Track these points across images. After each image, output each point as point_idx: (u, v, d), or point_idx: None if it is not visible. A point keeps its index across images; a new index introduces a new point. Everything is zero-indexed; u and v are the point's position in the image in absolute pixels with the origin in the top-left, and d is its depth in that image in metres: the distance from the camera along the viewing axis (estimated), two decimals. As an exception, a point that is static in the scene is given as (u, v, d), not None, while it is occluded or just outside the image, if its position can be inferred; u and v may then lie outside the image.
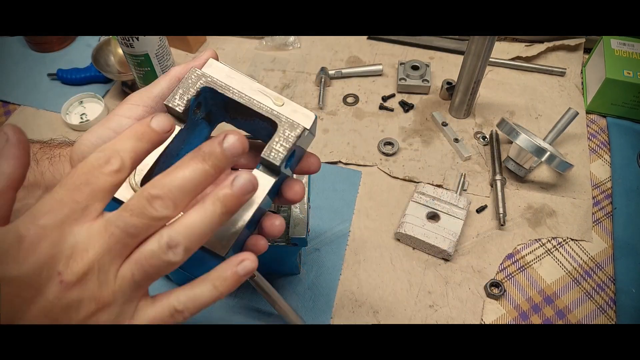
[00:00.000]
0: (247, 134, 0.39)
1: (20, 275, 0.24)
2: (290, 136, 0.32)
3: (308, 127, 0.33)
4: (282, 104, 0.34)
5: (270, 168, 0.33)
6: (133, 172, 0.32)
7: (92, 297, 0.25)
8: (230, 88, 0.34)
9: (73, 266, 0.25)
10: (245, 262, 0.28)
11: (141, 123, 0.28)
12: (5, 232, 0.25)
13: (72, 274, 0.25)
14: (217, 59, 0.35)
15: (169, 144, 0.33)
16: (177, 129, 0.33)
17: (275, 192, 0.35)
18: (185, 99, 0.33)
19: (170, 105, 0.33)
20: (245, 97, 0.34)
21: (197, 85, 0.33)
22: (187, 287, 0.28)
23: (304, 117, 0.33)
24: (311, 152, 0.37)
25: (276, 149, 0.32)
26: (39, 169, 0.35)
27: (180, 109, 0.33)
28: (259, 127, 0.35)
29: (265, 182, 0.32)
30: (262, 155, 0.32)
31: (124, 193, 0.31)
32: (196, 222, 0.26)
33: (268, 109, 0.33)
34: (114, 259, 0.26)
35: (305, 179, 0.49)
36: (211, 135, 0.38)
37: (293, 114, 0.33)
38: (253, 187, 0.27)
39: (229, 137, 0.27)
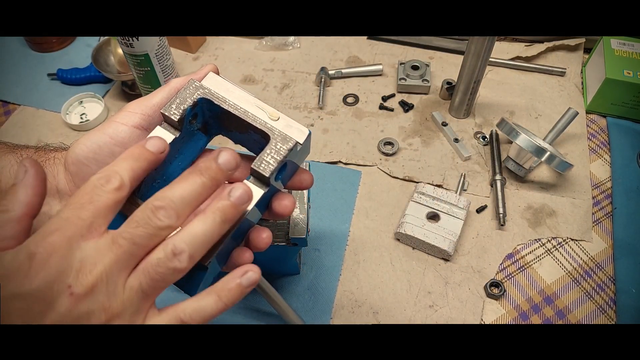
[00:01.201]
0: (242, 147, 0.39)
1: (32, 290, 0.25)
2: (281, 149, 0.33)
3: (301, 142, 0.34)
4: (278, 119, 0.34)
5: (260, 179, 0.33)
6: None
7: (102, 308, 0.26)
8: (227, 100, 0.34)
9: (82, 279, 0.26)
10: (249, 274, 0.30)
11: (137, 145, 0.30)
12: (17, 251, 0.26)
13: (82, 286, 0.26)
14: (218, 73, 0.36)
15: None
16: (172, 137, 0.34)
17: (265, 205, 0.35)
18: (182, 108, 0.33)
19: (166, 113, 0.33)
20: (240, 109, 0.34)
21: (195, 96, 0.34)
22: (193, 299, 0.29)
23: (298, 132, 0.34)
24: (304, 168, 0.37)
25: (267, 161, 0.32)
26: None
27: (175, 117, 0.33)
28: (253, 140, 0.36)
29: (254, 193, 0.32)
30: (252, 166, 0.32)
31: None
32: (198, 231, 0.28)
33: (262, 121, 0.34)
34: (122, 270, 0.27)
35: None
36: (207, 147, 0.39)
37: (287, 128, 0.34)
38: (248, 197, 0.29)
39: (223, 153, 0.29)
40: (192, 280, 0.31)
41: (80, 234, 0.26)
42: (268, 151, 0.33)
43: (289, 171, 0.35)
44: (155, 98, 0.35)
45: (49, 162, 0.36)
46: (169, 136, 0.34)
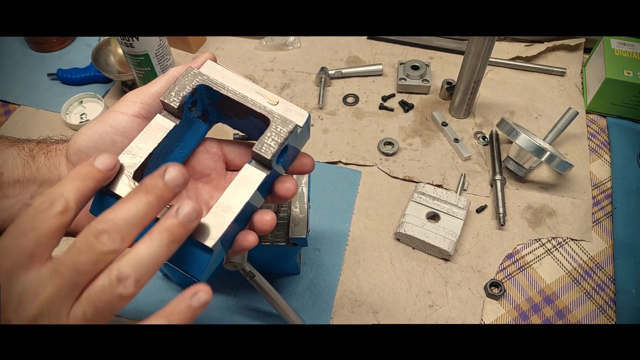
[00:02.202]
0: (243, 134, 0.39)
1: None
2: (282, 132, 0.33)
3: (301, 125, 0.34)
4: (277, 103, 0.34)
5: (261, 163, 0.33)
6: (126, 166, 0.32)
7: None
8: (226, 86, 0.35)
9: (22, 313, 0.24)
10: (199, 294, 0.28)
11: (84, 164, 0.29)
12: None
13: (22, 321, 0.24)
14: (215, 61, 0.36)
15: (162, 140, 0.34)
16: (172, 124, 0.34)
17: (268, 190, 0.35)
18: (181, 95, 0.34)
19: (166, 101, 0.34)
20: (239, 95, 0.34)
21: (193, 83, 0.34)
22: (141, 322, 0.28)
23: (298, 115, 0.34)
24: (306, 152, 0.37)
25: (268, 144, 0.32)
26: (35, 164, 0.35)
27: (175, 104, 0.33)
28: (253, 125, 0.36)
29: (256, 176, 0.33)
30: (253, 149, 0.32)
31: (124, 189, 0.32)
32: (145, 254, 0.26)
33: (262, 105, 0.34)
34: (65, 300, 0.25)
35: (305, 179, 0.49)
36: (207, 136, 0.39)
37: (287, 112, 0.34)
38: (197, 214, 0.28)
39: (170, 170, 0.28)
40: (198, 265, 0.31)
41: (21, 264, 0.25)
42: (269, 134, 0.33)
43: (290, 155, 0.35)
44: (154, 87, 0.35)
45: (50, 154, 0.36)
46: (169, 124, 0.34)
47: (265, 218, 0.34)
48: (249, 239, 0.33)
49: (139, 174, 0.33)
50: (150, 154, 0.33)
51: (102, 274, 0.26)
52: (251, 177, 0.33)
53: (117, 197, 0.31)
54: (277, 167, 0.34)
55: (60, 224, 0.26)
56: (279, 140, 0.33)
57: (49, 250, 0.26)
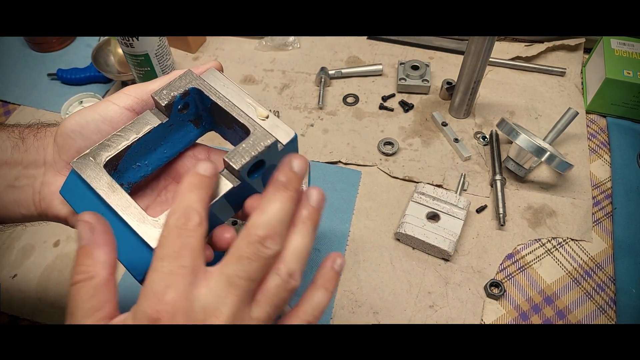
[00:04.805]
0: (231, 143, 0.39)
1: None
2: (258, 145, 0.32)
3: (283, 142, 0.33)
4: (266, 118, 0.34)
5: (231, 172, 0.32)
6: (100, 154, 0.33)
7: None
8: (218, 93, 0.34)
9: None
10: (337, 260, 0.33)
11: (191, 174, 0.29)
12: (135, 319, 0.26)
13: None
14: (222, 71, 0.36)
15: (144, 135, 0.34)
16: (158, 122, 0.34)
17: (238, 204, 0.34)
18: (172, 95, 0.34)
19: (155, 97, 0.34)
20: (228, 103, 0.34)
21: (187, 86, 0.34)
22: (301, 303, 0.32)
23: (283, 133, 0.33)
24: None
25: (240, 154, 0.32)
26: (24, 146, 0.36)
27: (163, 102, 0.33)
28: (239, 137, 0.36)
29: (223, 186, 0.32)
30: (224, 157, 0.32)
31: (93, 177, 0.32)
32: (300, 246, 0.29)
33: (247, 117, 0.33)
34: (246, 307, 0.28)
35: (305, 179, 0.49)
36: (197, 141, 0.39)
37: (273, 127, 0.33)
38: (323, 197, 0.31)
39: (295, 161, 0.30)
40: (138, 263, 0.31)
41: (190, 282, 0.26)
42: (244, 145, 0.32)
43: (270, 172, 0.35)
44: (153, 85, 0.36)
45: (39, 134, 0.36)
46: (155, 121, 0.34)
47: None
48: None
49: (113, 164, 0.33)
50: (128, 147, 0.33)
51: (272, 274, 0.28)
52: (217, 186, 0.32)
53: (85, 183, 0.31)
54: (252, 182, 0.33)
55: (202, 235, 0.28)
56: (252, 153, 0.32)
57: (204, 262, 0.28)
